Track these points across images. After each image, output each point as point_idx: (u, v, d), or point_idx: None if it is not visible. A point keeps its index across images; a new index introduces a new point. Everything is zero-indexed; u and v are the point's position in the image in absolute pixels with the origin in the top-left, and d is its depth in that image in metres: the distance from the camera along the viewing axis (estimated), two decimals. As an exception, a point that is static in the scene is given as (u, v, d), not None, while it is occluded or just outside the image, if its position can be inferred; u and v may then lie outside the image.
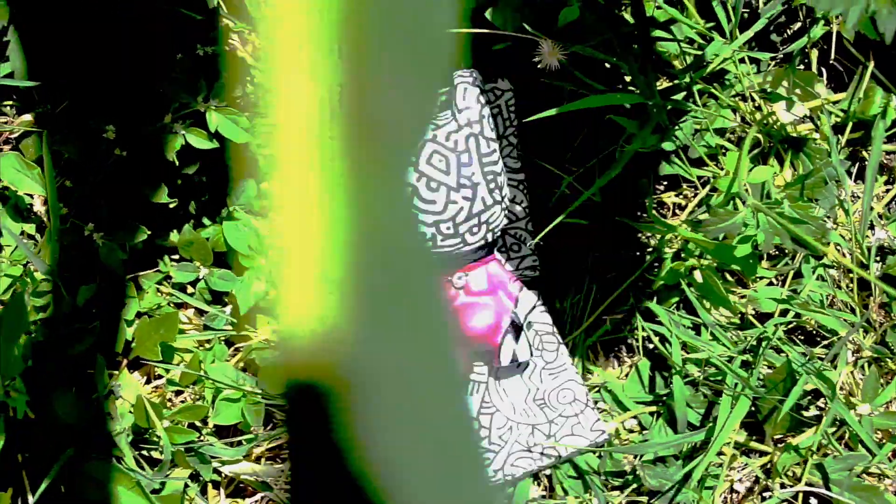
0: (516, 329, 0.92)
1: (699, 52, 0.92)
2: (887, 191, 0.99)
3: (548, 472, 0.95)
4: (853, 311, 0.95)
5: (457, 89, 0.89)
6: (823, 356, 0.94)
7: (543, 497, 0.95)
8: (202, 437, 0.94)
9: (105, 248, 0.87)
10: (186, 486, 0.93)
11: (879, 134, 0.92)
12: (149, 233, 0.89)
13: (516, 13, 0.83)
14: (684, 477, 0.90)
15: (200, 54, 0.88)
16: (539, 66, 0.83)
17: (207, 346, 0.97)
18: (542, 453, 0.94)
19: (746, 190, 0.92)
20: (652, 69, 0.85)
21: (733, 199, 0.89)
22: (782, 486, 0.92)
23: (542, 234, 0.91)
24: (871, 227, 0.99)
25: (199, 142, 0.87)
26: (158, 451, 0.91)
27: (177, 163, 0.86)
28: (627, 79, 0.94)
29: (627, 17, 0.88)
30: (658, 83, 0.92)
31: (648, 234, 0.98)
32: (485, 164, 0.89)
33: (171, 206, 0.93)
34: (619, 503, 0.94)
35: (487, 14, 0.86)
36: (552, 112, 0.83)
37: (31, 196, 0.91)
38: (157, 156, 0.86)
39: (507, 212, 0.96)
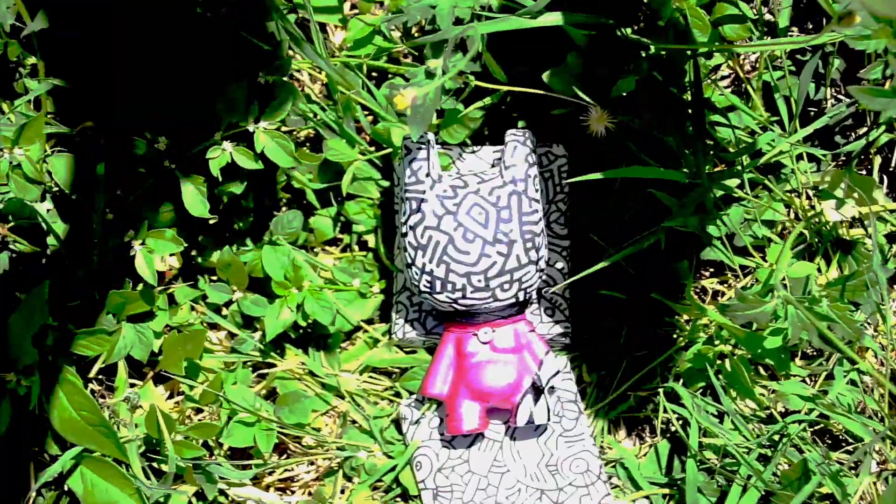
0: (536, 391, 0.92)
1: (753, 141, 0.91)
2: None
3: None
4: (882, 420, 0.93)
5: (507, 146, 0.90)
6: (845, 462, 0.92)
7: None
8: (214, 458, 0.95)
9: (142, 255, 0.89)
10: (190, 502, 0.94)
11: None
12: (185, 245, 0.90)
13: (573, 78, 0.84)
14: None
15: (261, 82, 0.90)
16: (588, 132, 0.83)
17: (232, 368, 0.97)
18: (546, 520, 0.93)
19: (785, 284, 0.91)
20: (703, 150, 0.85)
21: (771, 291, 0.88)
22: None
23: (572, 279, 0.91)
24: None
25: (245, 161, 0.88)
26: (167, 465, 0.92)
27: (220, 178, 0.88)
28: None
29: (685, 97, 0.89)
30: (711, 168, 0.92)
31: (684, 316, 0.98)
32: (524, 223, 0.89)
33: (212, 222, 0.95)
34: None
35: (545, 77, 0.86)
36: (597, 176, 0.83)
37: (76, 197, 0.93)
38: (203, 171, 0.87)
39: (544, 275, 0.96)
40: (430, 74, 0.82)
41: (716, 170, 0.94)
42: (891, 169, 1.00)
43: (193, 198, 0.89)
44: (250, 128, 0.89)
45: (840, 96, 1.01)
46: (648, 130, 0.84)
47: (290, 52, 0.95)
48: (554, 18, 0.82)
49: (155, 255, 0.90)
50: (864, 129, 1.01)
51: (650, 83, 0.83)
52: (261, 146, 0.88)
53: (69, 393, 0.87)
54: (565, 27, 0.83)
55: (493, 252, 0.89)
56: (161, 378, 1.00)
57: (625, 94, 0.85)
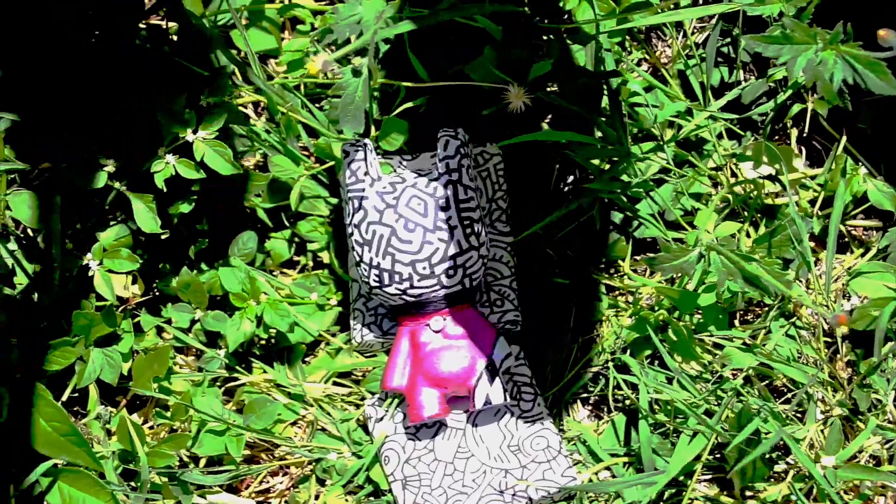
0: (491, 373, 0.96)
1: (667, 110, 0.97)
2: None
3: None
4: (822, 369, 0.97)
5: (439, 141, 0.95)
6: (791, 412, 0.96)
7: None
8: (188, 469, 0.98)
9: (100, 274, 0.93)
10: (169, 514, 0.97)
11: (840, 193, 0.96)
12: (140, 262, 0.95)
13: (492, 67, 0.90)
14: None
15: (203, 104, 0.96)
16: (508, 110, 0.89)
17: (200, 384, 1.01)
18: (513, 496, 0.96)
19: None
20: (619, 121, 0.90)
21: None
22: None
23: (522, 236, 0.96)
24: (847, 297, 1.02)
25: (187, 171, 0.94)
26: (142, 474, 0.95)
27: (165, 189, 0.93)
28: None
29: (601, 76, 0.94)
30: (631, 143, 0.97)
31: (627, 292, 1.02)
32: (462, 210, 0.94)
33: (164, 237, 1.00)
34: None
35: (465, 68, 0.92)
36: (520, 139, 0.88)
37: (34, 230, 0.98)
38: (151, 188, 0.92)
39: (492, 267, 1.01)
40: (356, 73, 0.88)
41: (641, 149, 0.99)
42: (805, 136, 1.06)
43: (144, 215, 0.94)
44: (189, 138, 0.94)
45: (751, 77, 1.08)
46: (564, 105, 0.89)
47: (231, 81, 1.01)
48: (467, 9, 0.88)
49: (113, 274, 0.94)
50: (774, 103, 1.07)
51: (565, 64, 0.89)
52: (200, 154, 0.94)
53: (40, 406, 0.90)
54: (479, 19, 0.89)
55: (434, 239, 0.94)
56: (134, 407, 1.03)
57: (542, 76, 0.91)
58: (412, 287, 0.94)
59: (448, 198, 0.94)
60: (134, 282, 1.03)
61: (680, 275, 0.97)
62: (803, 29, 0.80)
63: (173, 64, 0.98)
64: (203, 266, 1.03)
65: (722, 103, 1.02)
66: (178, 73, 0.98)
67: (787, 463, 0.96)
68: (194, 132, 0.94)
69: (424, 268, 0.94)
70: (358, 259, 0.95)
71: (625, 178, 0.96)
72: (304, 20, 1.10)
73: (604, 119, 0.92)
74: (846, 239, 1.04)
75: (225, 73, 0.98)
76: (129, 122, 0.93)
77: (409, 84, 0.97)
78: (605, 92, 0.93)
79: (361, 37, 0.88)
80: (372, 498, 1.00)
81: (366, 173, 0.95)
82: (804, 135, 1.06)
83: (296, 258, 1.08)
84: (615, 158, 0.95)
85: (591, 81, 0.90)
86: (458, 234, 0.94)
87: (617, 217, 1.04)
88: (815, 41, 0.80)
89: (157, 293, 1.05)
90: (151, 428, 1.02)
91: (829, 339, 1.00)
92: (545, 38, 0.91)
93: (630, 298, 1.03)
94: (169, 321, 1.03)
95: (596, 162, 0.97)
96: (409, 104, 1.01)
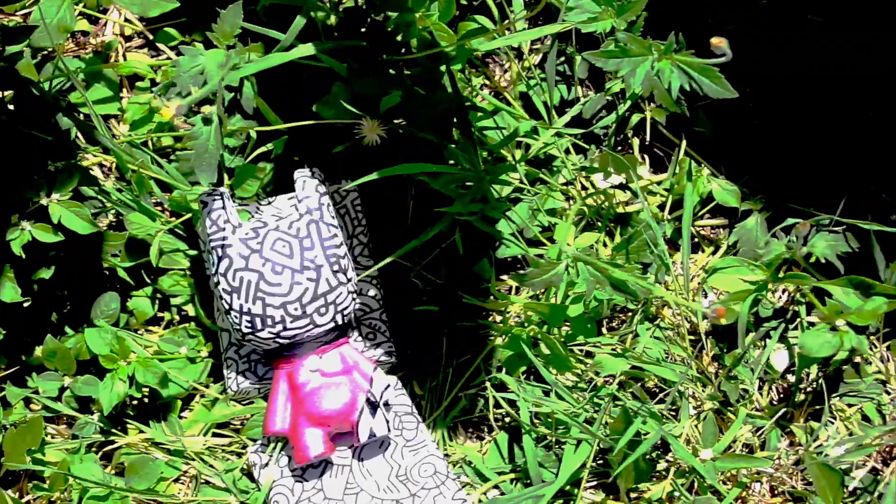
0: (372, 406, 0.96)
1: (514, 130, 1.00)
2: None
3: (415, 545, 0.98)
4: (690, 366, 1.01)
5: (297, 182, 0.96)
6: (665, 412, 0.99)
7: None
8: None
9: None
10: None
11: (689, 193, 1.00)
12: (4, 332, 0.93)
13: (341, 104, 0.91)
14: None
15: (52, 169, 0.95)
16: (364, 143, 0.90)
17: (76, 451, 0.99)
18: (406, 525, 0.97)
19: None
20: (472, 147, 0.92)
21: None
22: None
23: (381, 264, 0.97)
24: (705, 294, 1.06)
25: (45, 236, 0.92)
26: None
27: (23, 256, 0.91)
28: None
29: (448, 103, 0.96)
30: (482, 165, 0.99)
31: (495, 311, 1.04)
32: (327, 248, 0.95)
33: (26, 304, 0.98)
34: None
35: (314, 107, 0.93)
36: (373, 176, 0.89)
37: None
38: (8, 257, 0.91)
39: (360, 302, 1.01)
40: (206, 121, 0.88)
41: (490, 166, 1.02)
42: (646, 144, 1.10)
43: (4, 285, 0.92)
44: (44, 202, 0.93)
45: (590, 93, 1.11)
46: (416, 135, 0.91)
47: (77, 142, 1.00)
48: (307, 49, 0.89)
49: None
50: (615, 116, 1.10)
51: (413, 95, 0.91)
52: (56, 216, 0.92)
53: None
54: (320, 56, 0.90)
55: (303, 279, 0.94)
56: (6, 484, 1.01)
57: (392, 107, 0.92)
58: (285, 329, 0.94)
59: (311, 237, 0.94)
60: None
61: (545, 290, 0.99)
62: (638, 42, 0.83)
63: (15, 132, 0.96)
64: (67, 330, 1.01)
65: (566, 119, 1.05)
66: (21, 141, 0.96)
67: (667, 461, 0.99)
68: (47, 195, 0.93)
69: (296, 308, 0.94)
70: (227, 307, 0.94)
71: (481, 200, 0.98)
72: (144, 76, 1.09)
73: (455, 145, 0.93)
74: (696, 239, 1.08)
75: (69, 137, 0.96)
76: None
77: (260, 128, 0.97)
78: (455, 118, 0.95)
79: (206, 86, 0.88)
80: (265, 546, 0.99)
81: (226, 221, 0.95)
82: (646, 143, 1.10)
83: (159, 314, 1.07)
84: (469, 183, 0.97)
85: (442, 108, 0.92)
86: (326, 273, 0.94)
87: (478, 240, 1.06)
88: (651, 52, 0.83)
89: (20, 365, 1.02)
90: (28, 503, 1.00)
91: (692, 338, 1.04)
92: (390, 71, 0.92)
93: (498, 318, 1.05)
94: (36, 391, 1.01)
95: (452, 188, 0.98)
96: (262, 149, 1.02)
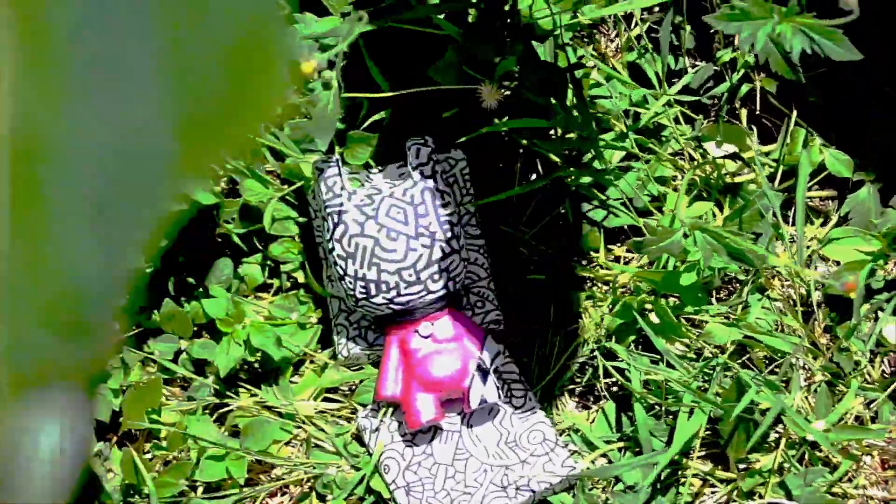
0: (483, 373, 0.97)
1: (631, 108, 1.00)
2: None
3: (524, 510, 0.98)
4: (802, 337, 1.00)
5: (409, 151, 0.96)
6: (775, 381, 0.98)
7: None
8: (189, 497, 0.98)
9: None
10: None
11: (804, 163, 0.99)
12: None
13: (456, 69, 0.92)
14: (653, 499, 0.94)
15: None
16: (482, 107, 0.90)
17: (192, 412, 1.01)
18: (516, 490, 0.97)
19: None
20: (585, 109, 0.92)
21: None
22: (750, 505, 0.95)
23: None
24: (815, 266, 1.05)
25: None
26: (148, 512, 0.95)
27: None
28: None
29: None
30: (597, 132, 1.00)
31: (602, 281, 1.04)
32: (440, 215, 0.95)
33: (148, 270, 1.00)
34: (595, 536, 0.97)
35: (430, 72, 0.94)
36: (495, 127, 0.90)
37: None
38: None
39: (468, 271, 1.02)
40: (326, 86, 0.89)
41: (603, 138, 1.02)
42: (757, 114, 1.09)
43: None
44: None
45: (698, 63, 1.11)
46: (534, 100, 0.92)
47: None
48: (420, 11, 0.90)
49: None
50: (727, 85, 1.10)
51: (527, 59, 0.91)
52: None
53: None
54: (438, 21, 0.90)
55: (418, 246, 0.95)
56: (123, 445, 1.03)
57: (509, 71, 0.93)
58: (399, 295, 0.95)
59: (426, 204, 0.95)
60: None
61: (654, 260, 0.99)
62: (760, 4, 0.83)
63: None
64: (182, 301, 1.03)
65: (678, 88, 1.05)
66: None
67: (777, 432, 0.99)
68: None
69: (410, 275, 0.95)
70: (342, 273, 0.96)
71: (596, 164, 0.98)
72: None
73: (568, 110, 0.94)
74: (805, 210, 1.08)
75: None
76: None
77: (371, 95, 0.98)
78: (570, 84, 0.95)
79: (329, 50, 0.89)
80: (375, 509, 1.01)
81: (342, 188, 0.96)
82: (755, 113, 1.09)
83: (269, 281, 1.08)
84: (580, 149, 0.97)
85: (556, 74, 0.92)
86: (440, 239, 0.95)
87: (585, 208, 1.06)
88: (772, 15, 0.82)
89: (137, 329, 1.04)
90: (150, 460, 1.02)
91: (802, 308, 1.03)
92: (505, 36, 0.93)
93: (605, 288, 1.05)
94: (153, 355, 1.03)
95: (563, 152, 0.99)
96: (375, 117, 1.03)
